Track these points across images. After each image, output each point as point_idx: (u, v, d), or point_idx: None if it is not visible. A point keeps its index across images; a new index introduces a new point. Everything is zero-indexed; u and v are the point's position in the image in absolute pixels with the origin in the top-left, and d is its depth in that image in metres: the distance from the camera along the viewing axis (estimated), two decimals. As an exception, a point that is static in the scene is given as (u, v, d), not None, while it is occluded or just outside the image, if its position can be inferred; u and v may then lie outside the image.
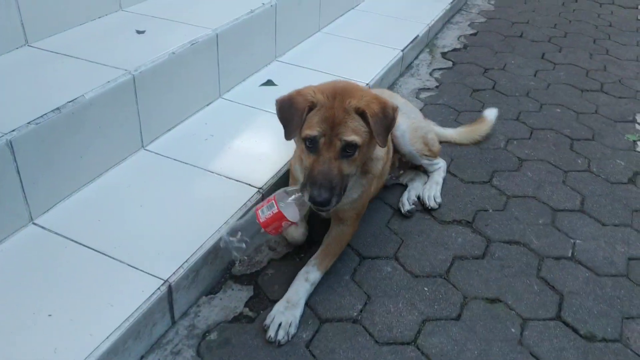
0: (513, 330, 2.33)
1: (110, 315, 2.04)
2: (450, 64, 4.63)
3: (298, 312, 2.27)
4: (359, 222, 2.64)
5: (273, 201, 2.20)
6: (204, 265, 2.37)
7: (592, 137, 3.71)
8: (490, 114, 3.64)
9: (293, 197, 2.23)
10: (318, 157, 2.19)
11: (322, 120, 2.17)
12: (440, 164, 3.16)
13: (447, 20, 5.38)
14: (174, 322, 2.29)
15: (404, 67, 4.38)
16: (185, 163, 2.86)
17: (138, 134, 2.89)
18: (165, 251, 2.33)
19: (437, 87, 4.26)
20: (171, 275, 2.22)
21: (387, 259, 2.65)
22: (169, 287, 2.19)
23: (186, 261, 2.28)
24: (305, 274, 2.37)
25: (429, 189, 3.03)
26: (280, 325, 2.21)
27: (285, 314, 2.24)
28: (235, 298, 2.42)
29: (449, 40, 5.08)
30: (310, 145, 2.20)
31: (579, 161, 3.45)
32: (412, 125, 2.97)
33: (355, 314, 2.36)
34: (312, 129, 2.17)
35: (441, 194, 3.04)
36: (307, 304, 2.38)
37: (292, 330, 2.22)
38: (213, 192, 2.68)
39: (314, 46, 4.25)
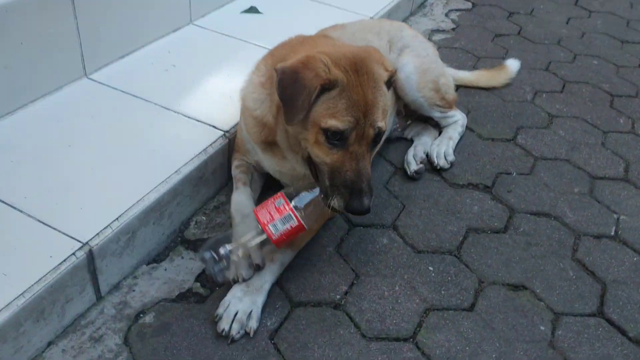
0: (542, 328, 1.78)
1: (1, 288, 1.50)
2: (469, 5, 3.99)
3: (260, 299, 1.73)
4: None
5: (290, 212, 1.65)
6: (143, 225, 1.81)
7: (636, 94, 3.11)
8: (513, 64, 3.05)
9: (309, 198, 1.71)
10: (346, 154, 1.64)
11: (351, 107, 1.61)
12: (457, 117, 2.56)
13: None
14: (99, 298, 1.74)
15: (415, 5, 3.75)
16: (136, 97, 2.27)
17: (78, 58, 2.30)
18: (91, 205, 1.77)
19: (453, 29, 3.63)
20: (94, 237, 1.67)
21: (383, 228, 2.09)
22: (90, 252, 1.64)
23: (117, 219, 1.72)
24: (271, 253, 1.81)
25: (440, 145, 2.45)
26: (235, 315, 1.66)
27: (244, 302, 1.69)
28: (184, 269, 1.87)
29: (469, -20, 4.41)
30: (335, 138, 1.62)
31: (621, 121, 2.86)
32: (420, 66, 2.37)
33: (338, 297, 1.81)
34: (340, 119, 1.59)
35: (454, 151, 2.46)
36: (276, 283, 1.83)
37: (253, 324, 1.67)
38: (167, 134, 2.10)
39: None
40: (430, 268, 1.95)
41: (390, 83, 1.76)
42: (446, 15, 3.81)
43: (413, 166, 2.33)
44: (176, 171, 1.92)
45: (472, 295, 1.86)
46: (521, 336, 1.75)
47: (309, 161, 1.72)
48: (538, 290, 1.90)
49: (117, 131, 2.09)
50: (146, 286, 1.80)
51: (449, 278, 1.92)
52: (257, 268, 1.74)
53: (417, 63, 2.37)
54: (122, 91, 2.29)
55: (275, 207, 1.67)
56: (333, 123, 1.59)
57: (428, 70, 2.40)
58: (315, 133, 1.64)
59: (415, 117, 2.57)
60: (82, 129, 2.08)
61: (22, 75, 2.09)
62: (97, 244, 1.65)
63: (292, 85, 1.58)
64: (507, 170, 2.44)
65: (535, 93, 3.01)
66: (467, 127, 2.64)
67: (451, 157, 2.41)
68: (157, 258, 1.92)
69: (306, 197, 1.69)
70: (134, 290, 1.78)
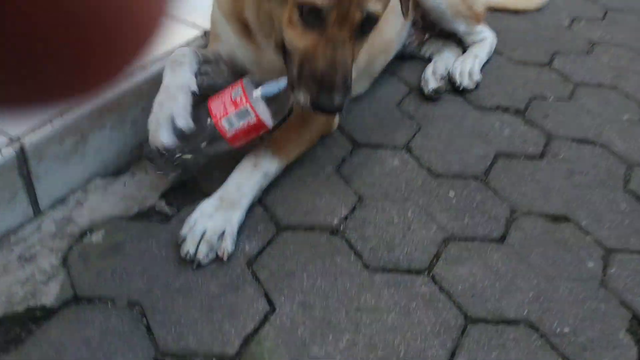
0: (591, 264, 1.42)
1: None
2: None
3: (236, 215, 1.37)
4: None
5: (248, 106, 1.31)
6: (97, 128, 1.45)
7: (689, 25, 2.70)
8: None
9: (276, 89, 1.34)
10: (323, 38, 1.27)
11: None
12: (486, 35, 2.18)
13: None
14: (38, 213, 1.39)
15: None
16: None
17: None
18: (30, 97, 1.41)
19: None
20: (28, 133, 1.31)
21: (394, 149, 1.72)
22: (21, 149, 1.29)
23: (61, 115, 1.37)
24: (254, 159, 1.45)
25: (464, 62, 2.07)
26: (203, 235, 1.31)
27: (215, 219, 1.33)
28: (148, 185, 1.52)
29: None
30: (310, 17, 1.26)
31: (673, 50, 2.46)
32: (443, -35, 1.98)
33: (335, 221, 1.46)
34: None
35: (481, 70, 2.08)
36: (260, 202, 1.47)
37: (227, 246, 1.32)
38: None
39: None
40: (451, 194, 1.58)
41: None
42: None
43: (432, 84, 1.95)
44: (142, 67, 1.56)
45: (503, 225, 1.50)
46: (565, 273, 1.39)
47: (283, 49, 1.36)
48: (584, 223, 1.53)
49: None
50: (98, 202, 1.46)
51: (474, 205, 1.55)
52: (179, 135, 1.35)
53: (439, -40, 1.99)
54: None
55: (232, 98, 1.33)
56: None
57: (453, -29, 2.01)
58: (289, 9, 1.27)
59: (434, 32, 2.18)
60: None
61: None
62: (32, 142, 1.30)
63: None
64: (543, 95, 2.05)
65: (572, 19, 2.61)
66: (495, 49, 2.25)
67: (477, 77, 2.03)
68: (117, 169, 1.57)
69: (272, 87, 1.33)
70: (81, 205, 1.44)
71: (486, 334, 1.23)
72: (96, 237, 1.36)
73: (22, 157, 1.30)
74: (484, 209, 1.54)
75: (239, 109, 1.32)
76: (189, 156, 1.41)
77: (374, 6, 1.30)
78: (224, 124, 1.33)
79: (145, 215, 1.43)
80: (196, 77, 1.52)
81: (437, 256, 1.40)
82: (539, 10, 2.62)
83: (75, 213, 1.42)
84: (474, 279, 1.34)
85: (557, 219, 1.55)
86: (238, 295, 1.25)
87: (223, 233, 1.32)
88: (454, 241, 1.44)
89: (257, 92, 1.33)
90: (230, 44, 1.59)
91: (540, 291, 1.33)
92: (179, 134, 1.35)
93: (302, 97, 1.30)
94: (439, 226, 1.47)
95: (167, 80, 1.46)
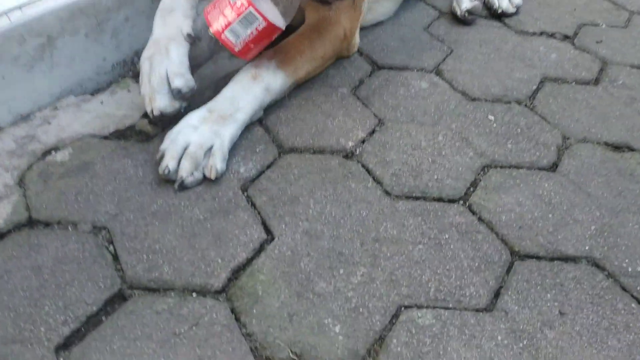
0: (663, 197, 1.15)
1: None
2: None
3: (229, 129, 1.12)
4: (361, 15, 1.43)
5: (252, 8, 1.06)
6: (67, 33, 1.22)
7: None
8: None
9: None
10: None
11: None
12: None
13: None
14: (-5, 128, 1.17)
15: None
16: None
17: None
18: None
19: None
20: (-22, 25, 1.08)
21: (421, 72, 1.47)
22: (-32, 44, 1.06)
23: (20, 8, 1.14)
24: (253, 70, 1.19)
25: (502, -16, 1.79)
26: (186, 149, 1.06)
27: (201, 131, 1.08)
28: (128, 104, 1.28)
29: None
30: None
31: None
32: None
33: (351, 144, 1.21)
34: None
35: (523, -6, 1.80)
36: (260, 122, 1.23)
37: (216, 163, 1.07)
38: None
39: None
40: (491, 117, 1.32)
41: None
42: None
43: (465, 3, 1.68)
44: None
45: (554, 153, 1.23)
46: (633, 206, 1.12)
47: None
48: (651, 153, 1.26)
49: None
50: (69, 119, 1.23)
51: (519, 130, 1.29)
52: (178, 96, 1.13)
53: None
54: None
55: (230, 3, 1.07)
56: None
57: None
58: None
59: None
60: None
61: None
62: (-20, 39, 1.07)
63: None
64: (594, 22, 1.77)
65: (624, -49, 2.30)
66: (535, -24, 1.97)
67: (517, 0, 1.75)
68: (94, 92, 1.33)
69: None
70: (49, 123, 1.21)
71: (538, 272, 0.97)
72: (61, 156, 1.13)
73: (-30, 55, 1.07)
74: (531, 134, 1.28)
75: (242, 14, 1.08)
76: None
77: None
78: (228, 37, 1.09)
79: (123, 134, 1.20)
80: (194, 21, 1.27)
81: (474, 184, 1.14)
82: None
83: (40, 130, 1.19)
84: (521, 210, 1.08)
85: (618, 147, 1.28)
86: (228, 220, 1.01)
87: (211, 148, 1.07)
88: (495, 168, 1.18)
89: None
90: None
91: (604, 225, 1.07)
92: (179, 94, 1.12)
93: None
94: (476, 152, 1.21)
95: (156, 31, 1.21)
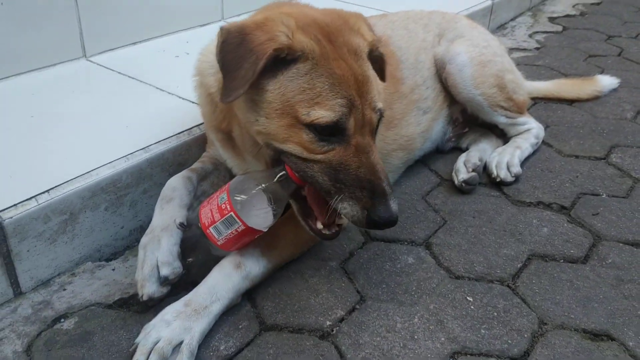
0: (636, 398, 1.15)
1: None
2: (559, 28, 3.46)
3: (200, 325, 1.20)
4: None
5: (232, 213, 1.21)
6: (88, 208, 1.42)
7: None
8: (605, 79, 2.49)
9: (263, 186, 1.24)
10: (351, 147, 1.19)
11: (338, 84, 1.17)
12: (531, 126, 2.02)
13: (560, -12, 4.20)
14: (18, 294, 1.34)
15: (494, 24, 3.27)
16: (131, 77, 1.97)
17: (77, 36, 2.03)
18: (23, 174, 1.41)
19: (537, 49, 3.11)
20: (8, 208, 1.28)
21: (411, 245, 1.56)
22: (0, 226, 1.25)
23: (47, 191, 1.34)
24: (238, 257, 1.31)
25: (502, 154, 1.90)
26: (155, 345, 1.15)
27: (172, 327, 1.17)
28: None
29: (561, 6, 3.90)
30: (327, 134, 1.18)
31: None
32: (478, 57, 1.88)
33: (328, 323, 1.29)
34: (327, 106, 1.15)
35: (523, 166, 1.90)
36: (249, 295, 1.34)
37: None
38: (149, 111, 1.75)
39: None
40: (470, 299, 1.38)
41: (376, 58, 1.31)
42: (530, 36, 3.30)
43: (463, 174, 1.79)
44: (144, 148, 1.53)
45: (528, 340, 1.27)
46: (601, 407, 1.13)
47: (276, 163, 1.27)
48: (631, 344, 1.27)
49: (91, 105, 1.76)
50: (82, 286, 1.39)
51: (495, 314, 1.34)
52: (165, 282, 1.26)
53: (474, 53, 1.89)
54: (119, 72, 1.99)
55: (218, 204, 1.23)
56: (320, 113, 1.14)
57: (489, 62, 1.90)
58: (290, 127, 1.17)
59: (476, 125, 2.05)
60: (51, 101, 1.77)
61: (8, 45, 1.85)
62: (11, 217, 1.27)
63: (236, 49, 1.14)
64: (595, 191, 1.83)
65: (637, 112, 2.39)
66: (543, 142, 2.08)
67: (516, 169, 1.85)
68: (111, 257, 1.50)
69: (267, 178, 1.23)
70: (64, 289, 1.37)
71: None
72: (68, 324, 1.27)
73: (1, 235, 1.26)
74: (507, 319, 1.32)
75: (225, 216, 1.22)
76: (190, 259, 1.34)
77: (381, 104, 1.24)
78: (212, 232, 1.24)
79: (125, 302, 1.34)
80: (190, 207, 1.45)
81: (441, 373, 1.18)
82: (596, 100, 2.43)
83: (56, 297, 1.35)
84: (482, 406, 1.11)
85: (596, 336, 1.29)
86: (198, 403, 1.10)
87: (182, 345, 1.15)
88: (465, 356, 1.23)
89: (242, 197, 1.22)
90: (222, 157, 1.53)
91: None
92: (166, 281, 1.27)
93: (350, 211, 1.18)
94: (448, 336, 1.27)
95: (154, 219, 1.38)
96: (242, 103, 1.24)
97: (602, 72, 2.72)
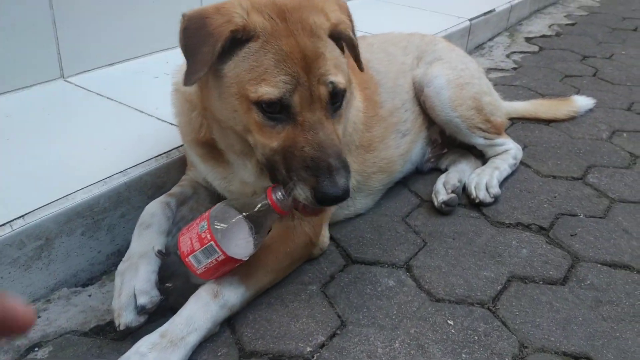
0: (616, 421, 1.14)
1: None
2: (535, 48, 3.52)
3: (176, 357, 1.16)
4: (326, 218, 1.57)
5: (212, 242, 1.19)
6: (65, 233, 1.39)
7: None
8: (581, 100, 2.54)
9: (244, 213, 1.23)
10: (299, 125, 1.19)
11: (283, 60, 1.17)
12: (509, 146, 2.04)
13: (536, 9, 4.28)
14: (-10, 323, 1.29)
15: (472, 44, 3.32)
16: (109, 98, 1.94)
17: (54, 56, 2.01)
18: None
19: (514, 69, 3.15)
20: (-17, 235, 1.25)
21: (392, 268, 1.56)
22: (-28, 255, 1.22)
23: (22, 217, 1.31)
24: (215, 286, 1.28)
25: (481, 175, 1.92)
26: None
27: None
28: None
29: (538, 27, 3.98)
30: (274, 111, 1.18)
31: None
32: (455, 80, 1.90)
33: (309, 349, 1.28)
34: (271, 82, 1.16)
35: (502, 186, 1.91)
36: (229, 322, 1.33)
37: None
38: (128, 134, 1.73)
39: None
40: (450, 322, 1.38)
41: (339, 38, 1.30)
42: (507, 56, 3.35)
43: (442, 196, 1.80)
44: (122, 171, 1.51)
45: (508, 365, 1.27)
46: None
47: (269, 166, 1.26)
48: (611, 367, 1.28)
49: (69, 127, 1.73)
50: (57, 313, 1.36)
51: (476, 338, 1.34)
52: (142, 311, 1.24)
53: (452, 76, 1.91)
54: (98, 93, 1.97)
55: (198, 232, 1.21)
56: (265, 90, 1.15)
57: (466, 85, 1.92)
58: (247, 110, 1.19)
59: (454, 146, 2.06)
60: (27, 123, 1.74)
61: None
62: (-15, 245, 1.24)
63: (197, 33, 1.17)
64: (573, 212, 1.85)
65: (613, 132, 2.43)
66: (522, 162, 2.10)
67: (495, 190, 1.86)
68: (87, 282, 1.48)
69: (248, 206, 1.22)
70: (39, 317, 1.34)
71: None
72: (42, 353, 1.24)
73: (-27, 264, 1.23)
74: (487, 342, 1.32)
75: (205, 245, 1.20)
76: (169, 285, 1.31)
77: (335, 77, 1.21)
78: (192, 261, 1.22)
79: (102, 330, 1.31)
80: (168, 234, 1.43)
81: (422, 399, 1.18)
82: (572, 121, 2.47)
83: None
84: None
85: (577, 358, 1.30)
86: None
87: None
88: (446, 381, 1.22)
89: (223, 226, 1.21)
90: (202, 173, 1.52)
91: None
92: (143, 310, 1.25)
93: (302, 193, 1.17)
94: (429, 361, 1.26)
95: (132, 246, 1.37)
96: (213, 95, 1.25)
97: (578, 93, 2.78)
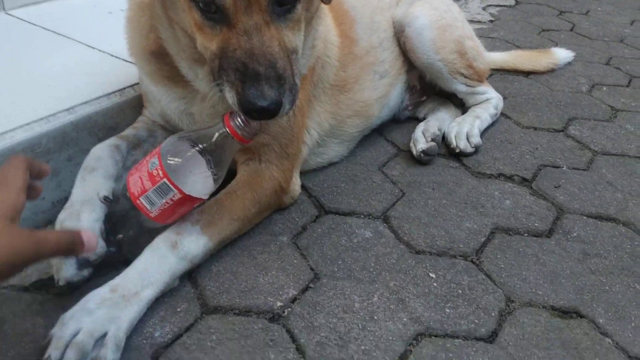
0: None
1: None
2: (512, 2, 3.42)
3: (129, 312, 1.03)
4: (297, 163, 1.43)
5: (165, 180, 1.04)
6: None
7: None
8: (561, 52, 2.45)
9: (202, 144, 1.07)
10: (233, 29, 1.03)
11: None
12: (490, 95, 1.93)
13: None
14: None
15: (447, -5, 3.16)
16: (58, 33, 1.73)
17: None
18: None
19: (491, 21, 3.04)
20: None
21: (368, 218, 1.44)
22: None
23: (-54, 155, 1.13)
24: (174, 235, 1.14)
25: (462, 124, 1.81)
26: (74, 337, 0.97)
27: (95, 316, 1.00)
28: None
29: (514, -19, 3.85)
30: (210, 10, 1.04)
31: None
32: (438, 21, 1.77)
33: (279, 304, 1.16)
34: None
35: (482, 137, 1.81)
36: (190, 275, 1.19)
37: (108, 355, 0.97)
38: (78, 70, 1.54)
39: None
40: (432, 275, 1.27)
41: None
42: (483, 9, 3.23)
43: (421, 144, 1.68)
44: (68, 109, 1.33)
45: (495, 320, 1.17)
46: (574, 389, 1.04)
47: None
48: (601, 321, 1.20)
49: (10, 62, 1.54)
50: (-8, 267, 1.18)
51: (460, 291, 1.24)
52: (85, 265, 1.10)
53: (434, 17, 1.77)
54: (44, 28, 1.76)
55: (148, 171, 1.06)
56: None
57: (449, 27, 1.79)
58: (188, 9, 1.06)
59: (434, 94, 1.94)
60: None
61: None
62: None
63: None
64: (555, 163, 1.76)
65: (592, 85, 2.34)
66: (502, 113, 1.99)
67: (476, 140, 1.76)
68: (29, 233, 1.30)
69: (204, 137, 1.08)
70: (-30, 271, 1.17)
71: None
72: (-34, 312, 1.08)
73: None
74: (472, 296, 1.22)
75: (157, 184, 1.06)
76: (121, 235, 1.16)
77: None
78: (144, 203, 1.07)
79: (45, 285, 1.16)
80: (117, 179, 1.28)
81: (403, 357, 1.07)
82: (551, 73, 2.38)
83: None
84: (450, 391, 1.01)
85: (566, 313, 1.21)
86: (128, 399, 0.95)
87: (105, 337, 0.98)
88: (429, 337, 1.12)
89: (177, 160, 1.06)
90: (157, 99, 1.35)
91: (539, 413, 0.99)
92: (86, 263, 1.10)
93: (229, 97, 1.04)
94: (411, 317, 1.16)
95: (74, 192, 1.21)
96: None
97: (556, 46, 2.68)
